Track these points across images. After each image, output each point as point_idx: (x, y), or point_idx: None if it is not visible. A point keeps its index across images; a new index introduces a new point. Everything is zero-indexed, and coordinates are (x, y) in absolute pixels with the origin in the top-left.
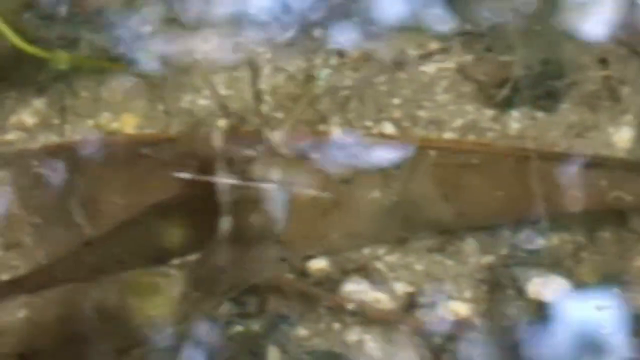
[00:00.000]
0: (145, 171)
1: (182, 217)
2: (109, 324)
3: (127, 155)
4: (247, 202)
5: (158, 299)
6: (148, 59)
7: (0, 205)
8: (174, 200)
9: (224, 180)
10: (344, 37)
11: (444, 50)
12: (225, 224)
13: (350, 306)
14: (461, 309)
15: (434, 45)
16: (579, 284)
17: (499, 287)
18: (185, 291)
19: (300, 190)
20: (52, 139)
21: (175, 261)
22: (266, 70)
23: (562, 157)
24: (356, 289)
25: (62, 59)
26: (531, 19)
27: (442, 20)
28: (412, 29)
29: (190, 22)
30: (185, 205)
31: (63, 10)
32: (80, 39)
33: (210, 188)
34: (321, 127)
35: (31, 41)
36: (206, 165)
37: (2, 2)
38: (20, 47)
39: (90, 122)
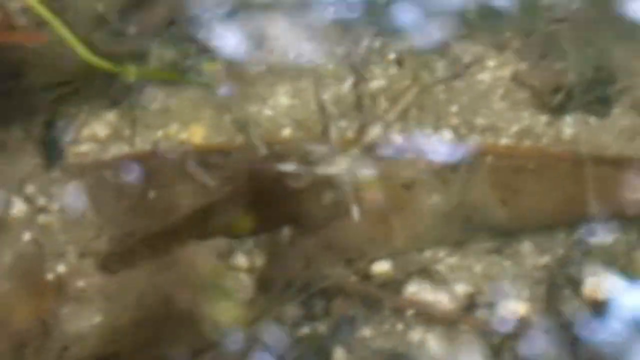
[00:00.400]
0: (213, 179)
1: (248, 219)
2: (181, 328)
3: (196, 164)
4: (311, 206)
5: (228, 303)
6: (214, 71)
7: (75, 214)
8: (240, 198)
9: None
10: (401, 46)
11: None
12: (289, 228)
13: (412, 307)
14: (520, 308)
15: (490, 54)
16: (633, 282)
17: (556, 287)
18: (254, 295)
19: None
20: (124, 149)
21: (244, 265)
22: (326, 80)
23: (614, 161)
24: (418, 290)
25: (131, 73)
26: (583, 26)
27: (497, 28)
28: (467, 37)
29: (254, 33)
30: (253, 208)
31: (132, 26)
32: (149, 52)
33: (275, 194)
34: (382, 133)
35: (102, 56)
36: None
37: (75, 19)
38: (92, 62)
39: (160, 132)
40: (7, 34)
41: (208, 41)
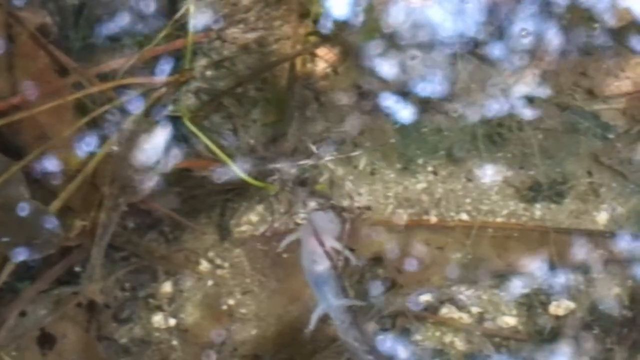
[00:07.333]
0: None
1: None
2: (304, 338)
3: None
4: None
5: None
6: (323, 187)
7: (238, 268)
8: None
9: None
10: (437, 159)
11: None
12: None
13: (445, 322)
14: (510, 321)
15: (489, 166)
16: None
17: (533, 308)
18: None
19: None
20: (266, 228)
21: None
22: None
23: (566, 231)
24: (448, 311)
25: (270, 187)
26: (545, 145)
27: (492, 150)
28: (477, 156)
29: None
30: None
31: (271, 153)
32: (281, 171)
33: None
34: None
35: (254, 173)
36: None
37: (237, 150)
38: (250, 182)
39: (287, 218)
40: (197, 162)
41: (319, 161)
